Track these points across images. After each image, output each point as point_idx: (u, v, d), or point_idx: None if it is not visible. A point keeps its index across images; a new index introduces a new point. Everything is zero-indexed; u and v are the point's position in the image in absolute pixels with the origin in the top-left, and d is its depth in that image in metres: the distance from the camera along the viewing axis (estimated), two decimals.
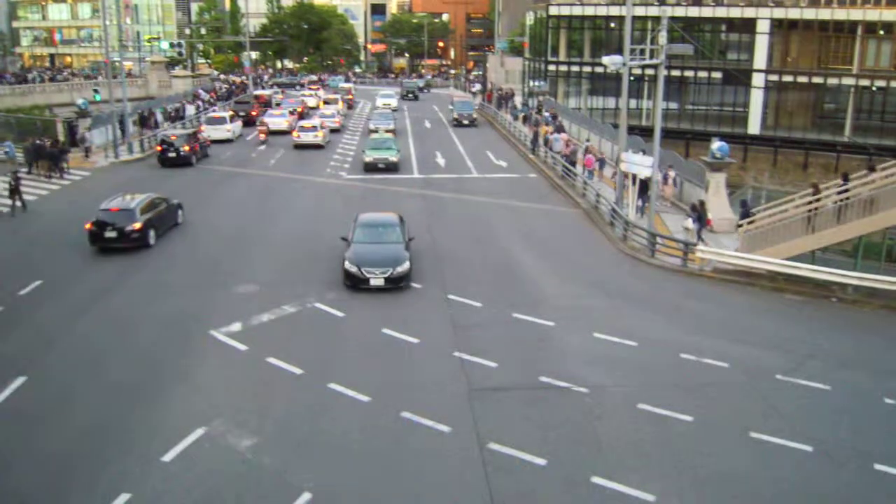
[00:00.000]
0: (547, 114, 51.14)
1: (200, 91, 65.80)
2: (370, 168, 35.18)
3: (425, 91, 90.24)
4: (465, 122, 53.38)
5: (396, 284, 19.01)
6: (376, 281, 18.77)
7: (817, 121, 52.66)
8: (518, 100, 64.27)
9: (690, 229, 24.84)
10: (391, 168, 35.28)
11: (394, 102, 63.79)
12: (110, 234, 22.15)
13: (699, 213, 24.32)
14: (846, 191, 21.19)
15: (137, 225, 22.39)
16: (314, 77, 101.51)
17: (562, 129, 45.43)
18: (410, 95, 78.84)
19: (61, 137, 38.16)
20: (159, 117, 48.47)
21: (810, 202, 21.68)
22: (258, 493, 11.10)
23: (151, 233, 22.96)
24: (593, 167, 33.34)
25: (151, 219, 23.16)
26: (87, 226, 22.41)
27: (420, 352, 15.81)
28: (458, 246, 23.91)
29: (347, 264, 19.00)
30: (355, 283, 18.94)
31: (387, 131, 43.86)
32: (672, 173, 30.19)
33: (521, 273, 21.42)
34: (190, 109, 53.33)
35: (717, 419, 13.30)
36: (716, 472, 11.77)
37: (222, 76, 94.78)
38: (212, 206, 28.59)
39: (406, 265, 19.15)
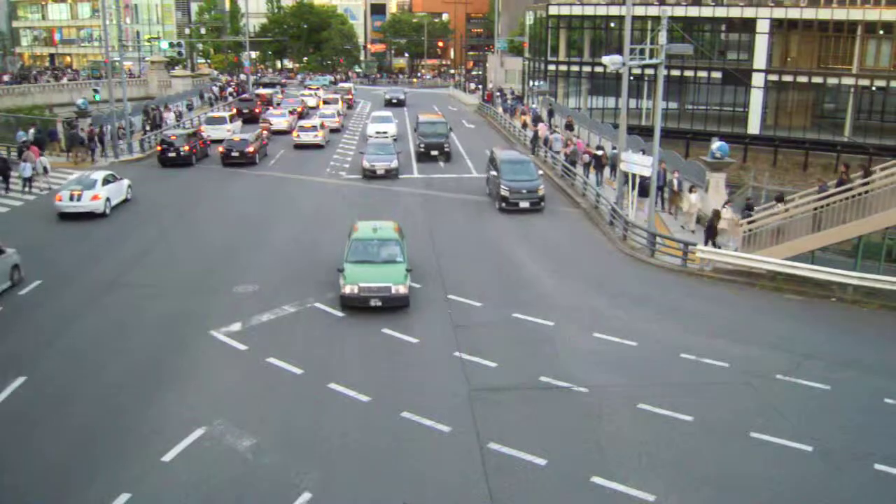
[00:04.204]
0: (535, 106, 51.76)
1: (214, 88, 67.09)
2: (353, 303, 17.94)
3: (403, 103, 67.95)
4: (526, 203, 27.86)
5: None
6: None
7: (817, 120, 52.64)
8: (509, 99, 64.62)
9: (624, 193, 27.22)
10: (395, 301, 17.95)
11: (392, 128, 45.06)
12: (234, 154, 36.94)
13: (626, 178, 26.23)
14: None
15: (251, 149, 37.12)
16: (332, 78, 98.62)
17: (540, 120, 47.32)
18: (435, 153, 38.61)
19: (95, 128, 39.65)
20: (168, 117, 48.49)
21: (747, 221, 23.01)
22: (258, 493, 11.10)
23: (257, 156, 37.65)
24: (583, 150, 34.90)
25: (258, 147, 37.95)
26: (220, 149, 37.30)
27: (420, 352, 15.81)
28: (458, 246, 23.92)
29: None
30: None
31: (387, 170, 33.62)
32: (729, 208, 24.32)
33: (521, 273, 21.42)
34: (169, 117, 48.42)
35: (717, 419, 13.30)
36: (716, 472, 11.78)
37: (223, 76, 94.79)
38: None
39: None
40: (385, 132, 43.71)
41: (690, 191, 26.47)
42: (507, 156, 30.51)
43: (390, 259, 18.74)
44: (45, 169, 31.15)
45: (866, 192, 20.72)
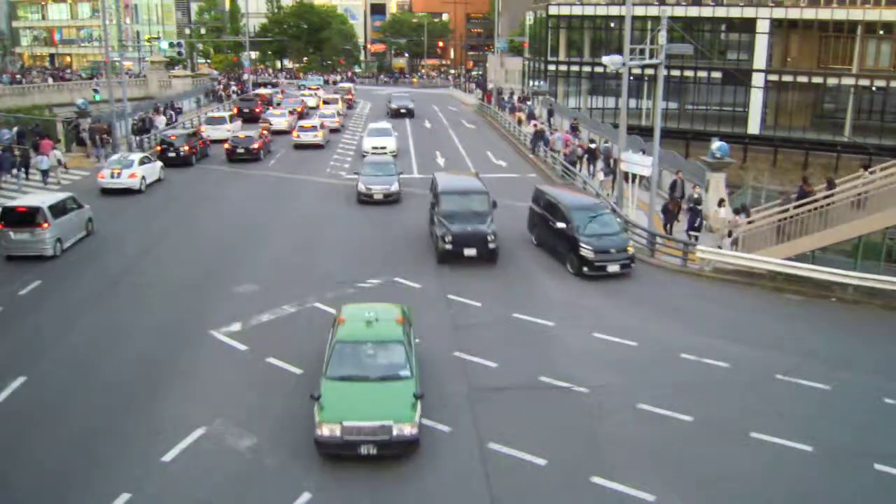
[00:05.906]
0: (530, 103, 53.62)
1: (219, 87, 68.04)
2: (333, 451, 11.80)
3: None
4: (616, 266, 20.87)
5: None
6: None
7: (817, 121, 52.70)
8: (515, 97, 64.87)
9: (604, 181, 29.45)
10: (398, 448, 11.79)
11: (392, 143, 39.75)
12: (240, 150, 37.81)
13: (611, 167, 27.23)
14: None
15: (256, 145, 38.13)
16: (326, 78, 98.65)
17: (533, 117, 48.80)
18: (471, 253, 21.46)
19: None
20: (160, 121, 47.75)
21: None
22: (258, 493, 11.10)
23: (262, 152, 38.56)
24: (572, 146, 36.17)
25: (263, 144, 39.07)
26: (226, 146, 37.98)
27: (420, 351, 15.77)
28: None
29: None
30: None
31: (386, 195, 28.86)
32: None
33: (521, 273, 21.39)
34: (160, 121, 46.15)
35: (717, 419, 13.30)
36: (716, 472, 11.78)
37: (223, 79, 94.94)
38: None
39: None
40: (384, 147, 38.58)
41: (719, 205, 24.53)
42: (572, 200, 22.61)
43: (391, 374, 12.67)
44: (58, 161, 32.77)
45: (830, 203, 20.85)
